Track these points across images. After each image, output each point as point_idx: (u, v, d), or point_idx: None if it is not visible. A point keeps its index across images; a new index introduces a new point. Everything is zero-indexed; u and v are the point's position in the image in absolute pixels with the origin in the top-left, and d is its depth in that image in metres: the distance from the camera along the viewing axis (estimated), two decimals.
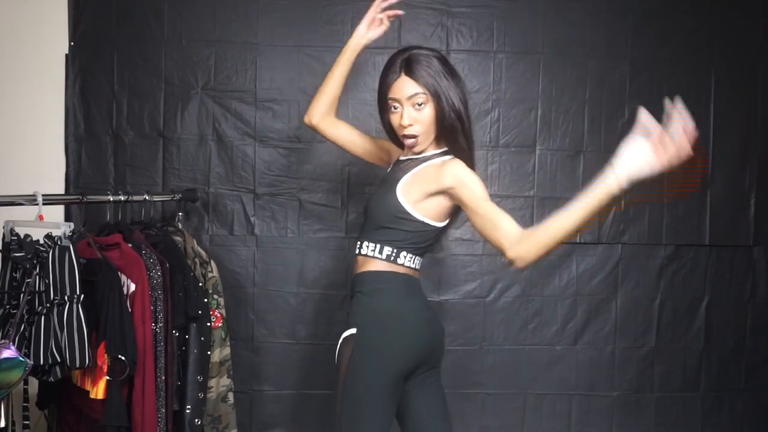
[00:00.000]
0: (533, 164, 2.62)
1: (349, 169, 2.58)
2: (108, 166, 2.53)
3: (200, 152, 2.55)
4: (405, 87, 1.67)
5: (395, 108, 1.70)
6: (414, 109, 1.67)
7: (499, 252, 1.57)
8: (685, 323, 2.70)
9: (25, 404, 1.88)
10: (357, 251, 1.78)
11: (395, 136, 1.79)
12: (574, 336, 2.66)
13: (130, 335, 1.77)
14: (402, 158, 1.82)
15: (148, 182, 2.52)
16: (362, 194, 2.57)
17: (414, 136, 1.70)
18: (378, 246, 1.71)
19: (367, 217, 1.79)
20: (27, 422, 1.88)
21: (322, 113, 1.98)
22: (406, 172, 1.73)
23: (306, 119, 2.02)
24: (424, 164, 1.73)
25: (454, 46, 2.60)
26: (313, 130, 2.03)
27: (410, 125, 1.68)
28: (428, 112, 1.68)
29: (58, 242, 1.70)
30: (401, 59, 1.68)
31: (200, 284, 2.12)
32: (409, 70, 1.67)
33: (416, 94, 1.66)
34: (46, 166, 2.52)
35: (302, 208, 2.59)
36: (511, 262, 1.55)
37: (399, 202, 1.69)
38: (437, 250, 2.54)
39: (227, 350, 2.24)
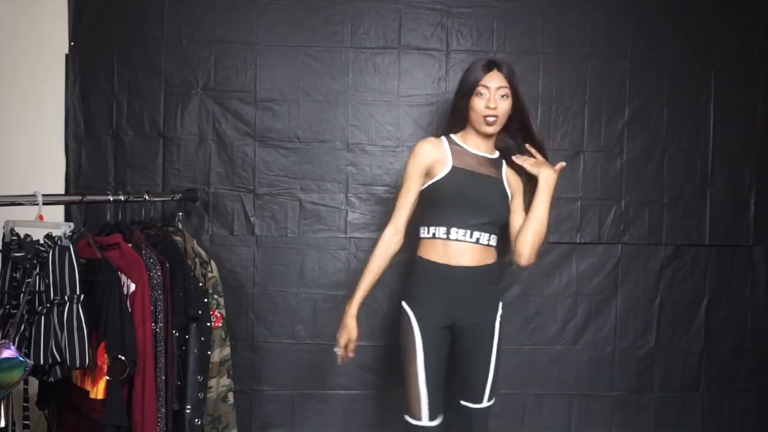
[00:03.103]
0: None
1: (349, 169, 2.58)
2: (108, 166, 2.53)
3: (200, 152, 2.55)
4: (495, 79, 2.03)
5: (482, 94, 2.02)
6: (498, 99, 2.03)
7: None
8: (685, 323, 2.70)
9: (25, 404, 1.88)
10: (475, 240, 2.02)
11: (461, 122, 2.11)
12: (574, 336, 2.66)
13: (130, 335, 1.77)
14: (479, 153, 2.10)
15: (148, 182, 2.52)
16: (363, 194, 2.58)
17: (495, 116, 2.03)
18: (495, 237, 2.07)
19: (483, 209, 2.02)
20: (27, 422, 1.88)
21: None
22: (500, 170, 2.11)
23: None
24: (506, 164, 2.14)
25: (454, 46, 2.60)
26: None
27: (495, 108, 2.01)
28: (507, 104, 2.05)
29: (58, 242, 1.70)
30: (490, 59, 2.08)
31: (200, 284, 2.12)
32: (499, 68, 2.04)
33: (501, 86, 2.02)
34: (46, 166, 2.52)
35: (302, 208, 2.59)
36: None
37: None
38: None
39: (227, 350, 2.24)
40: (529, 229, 2.01)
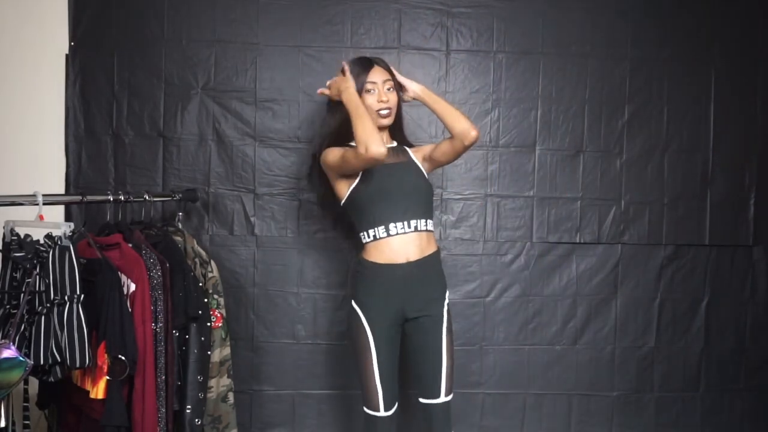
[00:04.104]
0: (533, 164, 2.62)
1: None
2: (108, 166, 2.53)
3: (200, 152, 2.55)
4: (379, 73, 2.11)
5: (371, 90, 2.09)
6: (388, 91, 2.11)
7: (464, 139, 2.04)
8: (685, 323, 2.70)
9: (25, 404, 1.88)
10: (413, 228, 2.05)
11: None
12: (574, 336, 2.66)
13: (130, 335, 1.77)
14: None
15: (148, 182, 2.52)
16: None
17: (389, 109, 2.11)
18: (430, 222, 2.12)
19: (409, 194, 2.06)
20: (27, 422, 1.88)
21: None
22: (406, 153, 2.18)
23: (377, 153, 1.91)
24: (407, 148, 2.21)
25: (454, 46, 2.60)
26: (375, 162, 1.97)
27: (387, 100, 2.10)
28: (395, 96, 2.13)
29: (59, 242, 1.70)
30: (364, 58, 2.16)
31: (200, 284, 2.12)
32: (378, 63, 2.14)
33: (387, 80, 2.11)
34: (46, 166, 2.52)
35: (302, 208, 2.59)
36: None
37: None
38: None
39: (227, 350, 2.24)
40: (445, 113, 2.08)
